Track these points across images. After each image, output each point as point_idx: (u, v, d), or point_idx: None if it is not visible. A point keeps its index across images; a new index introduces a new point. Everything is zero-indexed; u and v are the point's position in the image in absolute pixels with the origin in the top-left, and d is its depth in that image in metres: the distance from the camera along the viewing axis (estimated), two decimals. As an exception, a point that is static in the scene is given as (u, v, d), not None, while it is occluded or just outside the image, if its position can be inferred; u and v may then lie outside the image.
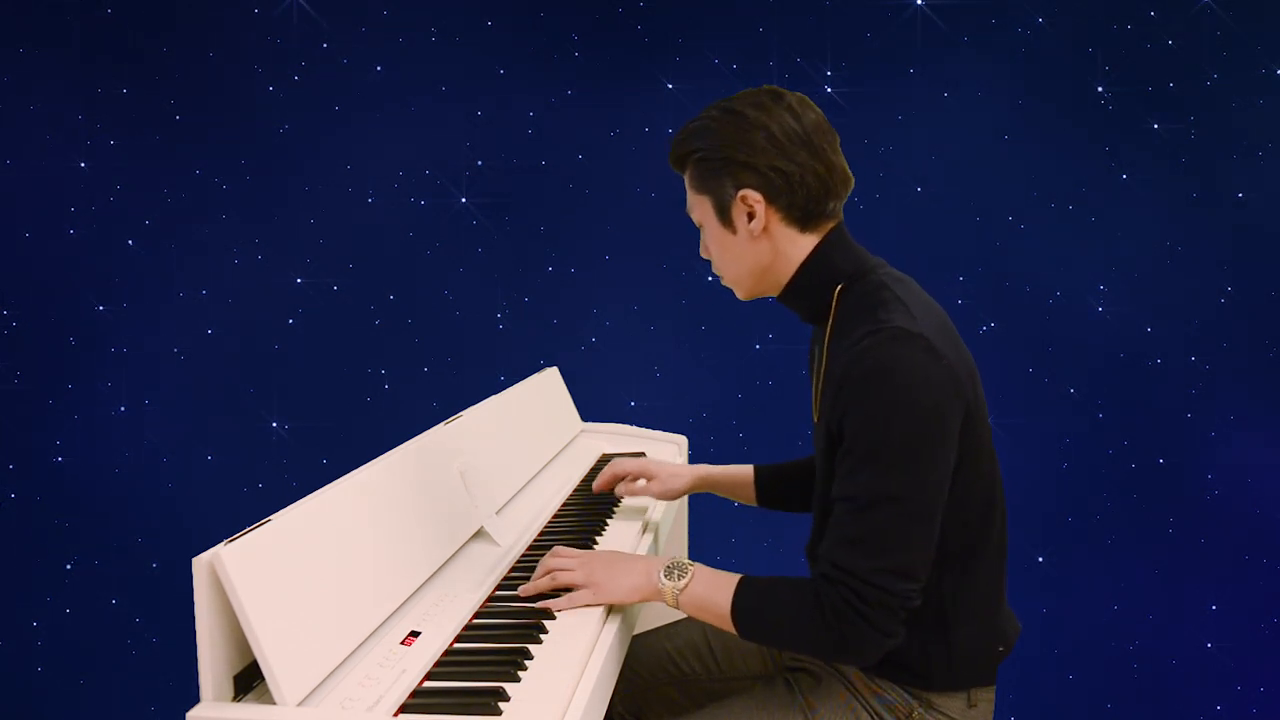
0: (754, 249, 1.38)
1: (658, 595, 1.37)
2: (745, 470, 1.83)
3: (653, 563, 1.39)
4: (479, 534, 1.69)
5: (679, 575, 1.35)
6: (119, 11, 2.94)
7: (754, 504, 1.82)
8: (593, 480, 2.11)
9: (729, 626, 1.33)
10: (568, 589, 1.41)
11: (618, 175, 3.05)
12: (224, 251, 3.01)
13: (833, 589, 1.23)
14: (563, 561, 1.43)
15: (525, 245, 3.09)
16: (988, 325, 3.02)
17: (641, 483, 1.86)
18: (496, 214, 3.08)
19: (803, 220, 1.36)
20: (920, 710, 1.36)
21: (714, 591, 1.33)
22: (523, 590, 1.43)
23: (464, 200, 3.06)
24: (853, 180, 1.40)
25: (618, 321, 3.11)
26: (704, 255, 1.47)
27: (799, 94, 1.38)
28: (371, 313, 3.06)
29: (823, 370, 1.35)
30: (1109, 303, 3.02)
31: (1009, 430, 2.96)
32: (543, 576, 1.43)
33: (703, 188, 1.39)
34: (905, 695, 1.37)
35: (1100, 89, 2.98)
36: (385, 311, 3.07)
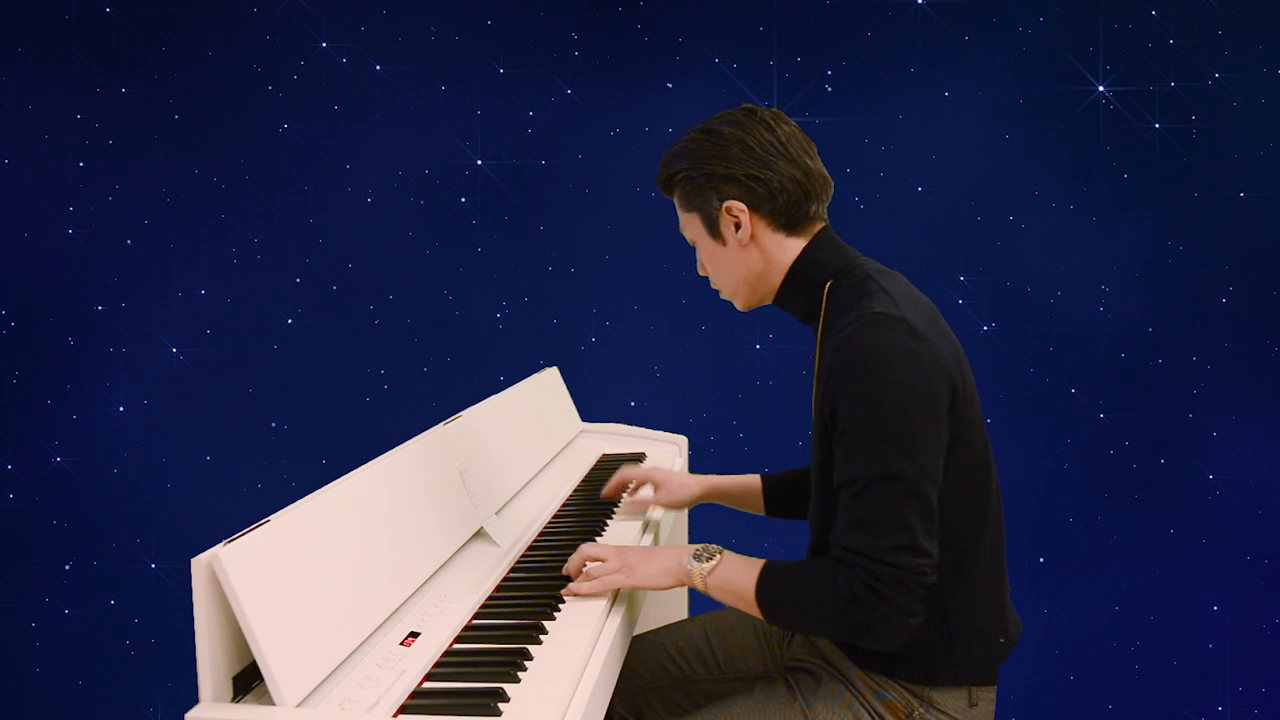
0: (744, 257, 1.44)
1: (687, 578, 1.40)
2: (752, 480, 1.84)
3: (683, 549, 1.43)
4: (479, 534, 1.68)
5: (707, 559, 1.39)
6: (119, 11, 2.94)
7: (761, 513, 1.83)
8: (593, 480, 2.12)
9: (755, 610, 1.35)
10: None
11: (618, 175, 3.05)
12: (223, 251, 3.01)
13: (848, 572, 1.25)
14: (597, 549, 1.48)
15: (525, 245, 3.09)
16: (988, 325, 3.01)
17: (648, 489, 1.87)
18: (496, 214, 3.07)
19: (788, 225, 1.42)
20: (921, 709, 1.37)
21: (740, 575, 1.36)
22: (566, 569, 1.49)
23: (464, 200, 3.06)
24: (832, 183, 1.45)
25: (618, 321, 3.11)
26: (701, 273, 1.54)
27: (774, 109, 1.45)
28: (371, 313, 3.06)
29: (817, 363, 1.39)
30: (1110, 302, 3.01)
31: (1010, 430, 2.96)
32: (578, 558, 1.48)
33: (690, 205, 1.46)
34: (905, 693, 1.37)
35: (1101, 88, 2.98)
36: (385, 311, 3.06)
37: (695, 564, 1.39)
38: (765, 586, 1.33)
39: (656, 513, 1.89)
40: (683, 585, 1.42)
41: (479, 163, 3.05)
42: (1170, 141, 2.98)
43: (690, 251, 1.55)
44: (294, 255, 3.02)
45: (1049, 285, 3.03)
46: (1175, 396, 3.01)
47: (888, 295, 1.32)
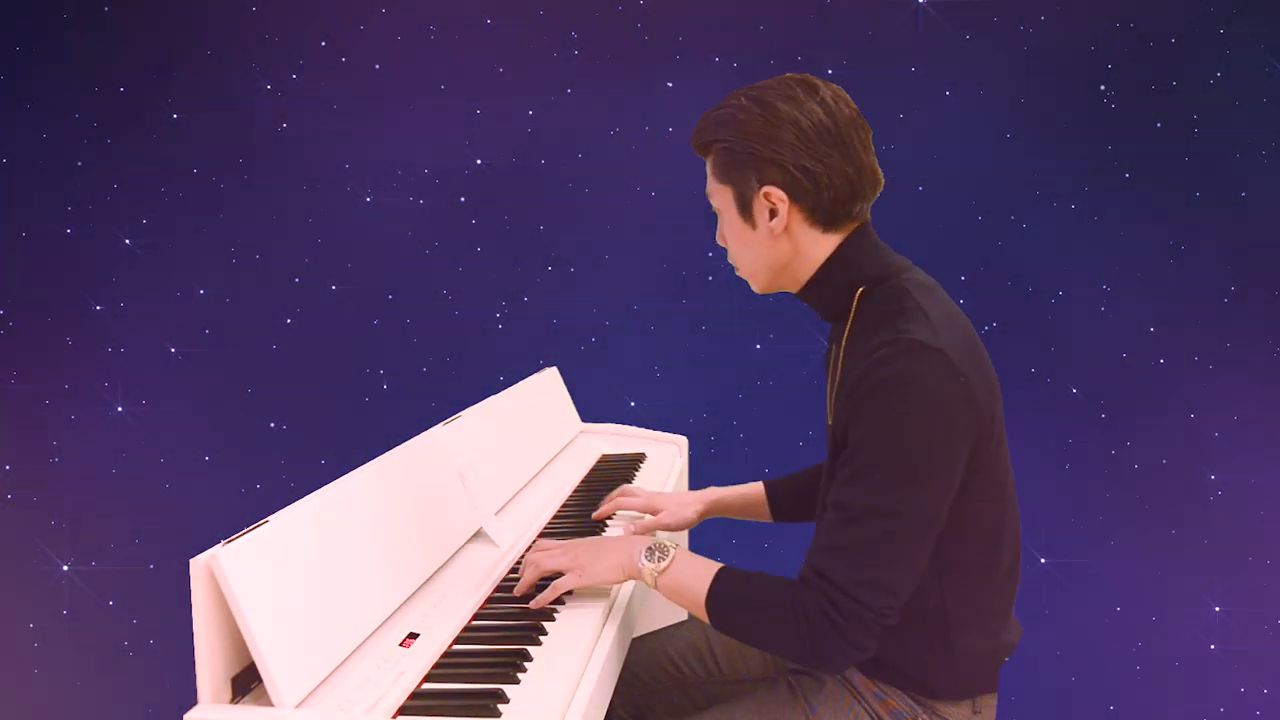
0: (773, 246, 1.33)
1: (638, 574, 1.35)
2: (755, 488, 1.79)
3: (636, 543, 1.37)
4: (478, 535, 1.68)
5: (659, 557, 1.32)
6: (118, 10, 2.93)
7: (768, 520, 1.79)
8: (593, 481, 2.11)
9: (703, 615, 1.30)
10: (556, 578, 1.40)
11: (618, 175, 3.04)
12: (222, 251, 3.00)
13: (809, 594, 1.20)
14: (545, 552, 1.42)
15: (525, 245, 3.08)
16: (989, 325, 3.01)
17: (648, 518, 1.84)
18: (496, 214, 3.07)
19: (826, 221, 1.31)
20: (925, 716, 1.35)
21: (691, 578, 1.30)
22: (516, 590, 1.43)
23: (464, 200, 3.05)
24: (883, 181, 1.34)
25: (618, 321, 3.10)
26: (720, 242, 1.42)
27: (836, 86, 1.31)
28: (370, 312, 3.05)
29: (839, 372, 1.31)
30: (1111, 302, 3.01)
31: (1010, 430, 2.93)
32: (528, 570, 1.42)
33: (725, 178, 1.33)
34: (909, 701, 1.35)
35: (1103, 87, 2.97)
36: (383, 311, 3.06)
37: (646, 562, 1.33)
38: (717, 594, 1.28)
39: (657, 513, 1.88)
40: (633, 580, 1.37)
41: (479, 163, 3.05)
42: (1172, 140, 2.97)
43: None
44: (294, 255, 3.02)
45: (1051, 285, 3.02)
46: (1176, 396, 3.00)
47: (927, 319, 1.22)
